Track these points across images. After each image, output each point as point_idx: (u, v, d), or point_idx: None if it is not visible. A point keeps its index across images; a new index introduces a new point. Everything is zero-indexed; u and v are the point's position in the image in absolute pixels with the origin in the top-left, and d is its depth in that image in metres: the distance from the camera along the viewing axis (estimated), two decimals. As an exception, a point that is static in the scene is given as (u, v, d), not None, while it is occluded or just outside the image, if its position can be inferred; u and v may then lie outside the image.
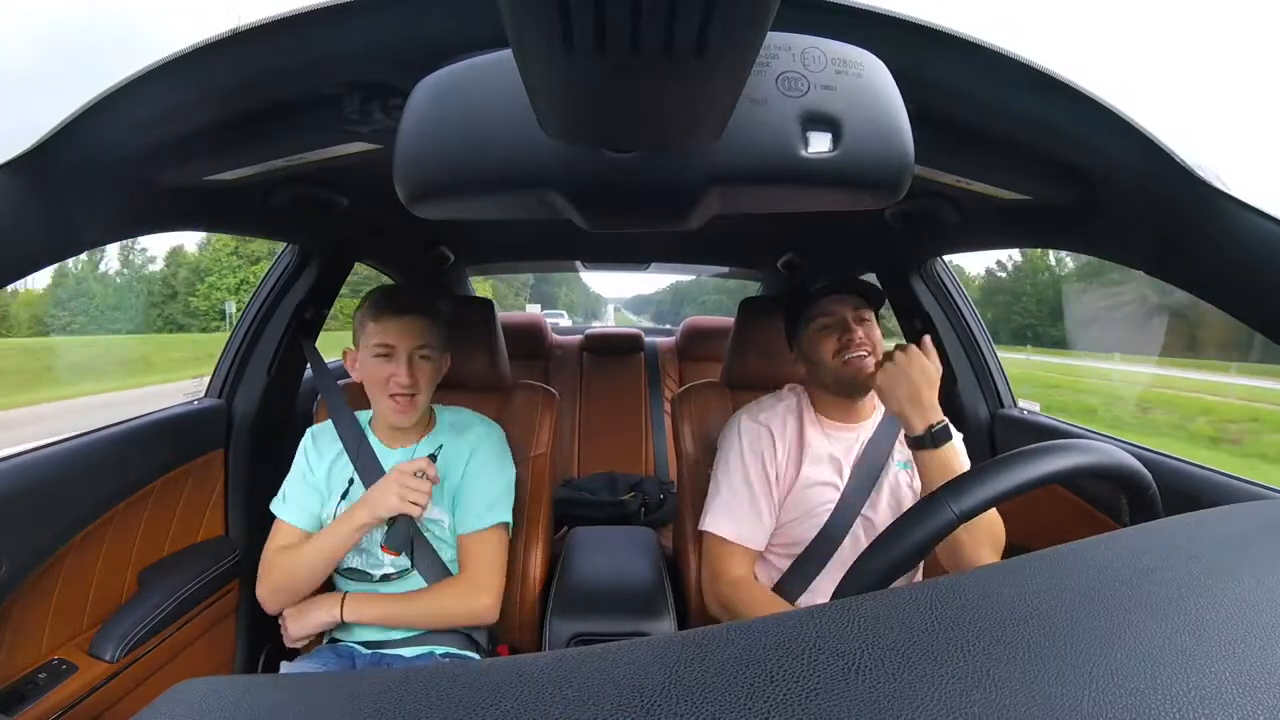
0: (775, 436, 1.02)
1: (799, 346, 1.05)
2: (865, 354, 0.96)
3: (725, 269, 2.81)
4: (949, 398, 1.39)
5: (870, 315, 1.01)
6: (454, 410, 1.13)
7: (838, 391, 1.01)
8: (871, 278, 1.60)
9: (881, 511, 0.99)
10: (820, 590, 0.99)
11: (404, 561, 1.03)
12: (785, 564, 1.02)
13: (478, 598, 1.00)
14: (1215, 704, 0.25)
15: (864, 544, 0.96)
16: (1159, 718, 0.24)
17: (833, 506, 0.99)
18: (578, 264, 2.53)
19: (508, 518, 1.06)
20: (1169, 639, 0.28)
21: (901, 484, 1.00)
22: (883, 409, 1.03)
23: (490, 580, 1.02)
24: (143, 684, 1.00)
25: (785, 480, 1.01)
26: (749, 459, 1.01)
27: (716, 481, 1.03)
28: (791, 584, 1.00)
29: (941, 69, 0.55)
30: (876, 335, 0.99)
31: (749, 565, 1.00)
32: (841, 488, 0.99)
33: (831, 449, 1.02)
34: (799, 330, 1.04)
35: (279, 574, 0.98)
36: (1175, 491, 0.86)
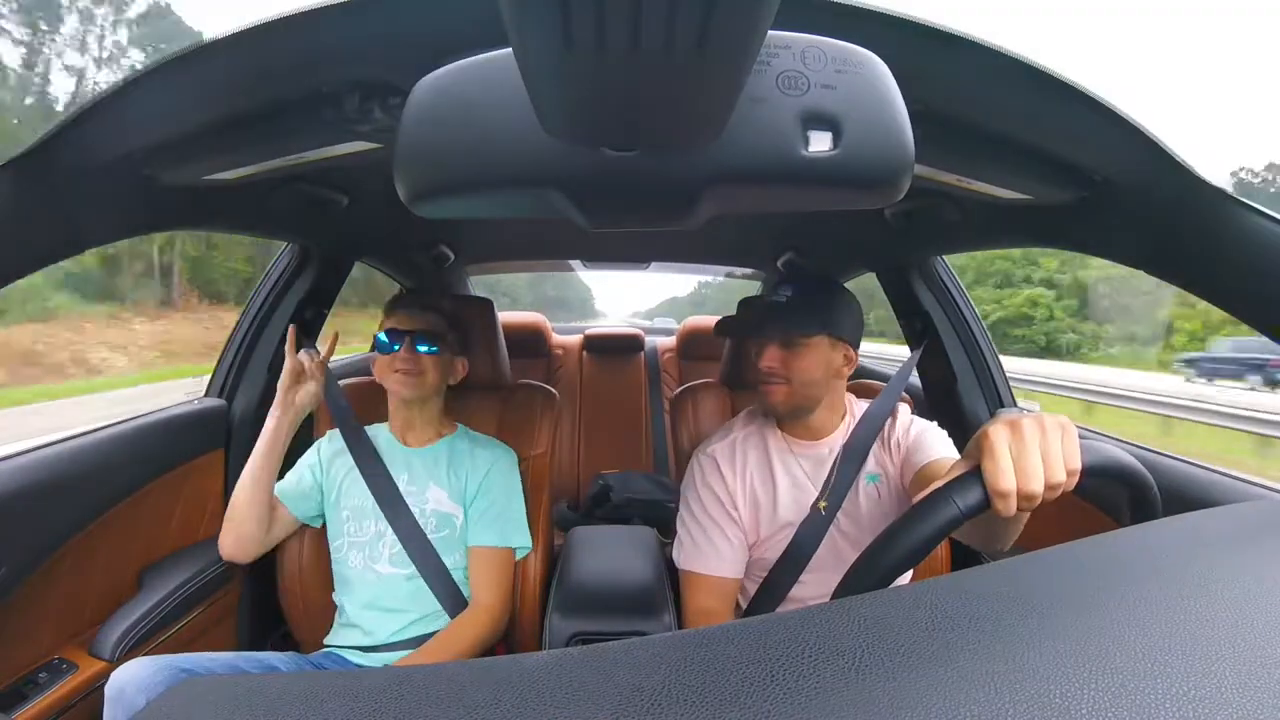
0: (723, 465, 1.02)
1: None
2: (775, 382, 0.94)
3: (727, 268, 2.81)
4: (949, 398, 1.39)
5: (800, 340, 0.93)
6: (471, 431, 1.19)
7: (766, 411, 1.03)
8: (872, 277, 1.60)
9: (853, 526, 0.97)
10: (795, 603, 0.98)
11: (406, 564, 1.05)
12: (756, 584, 1.01)
13: (498, 623, 1.06)
14: (1216, 703, 0.25)
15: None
16: (1159, 717, 0.24)
17: (798, 524, 0.98)
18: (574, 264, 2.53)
19: (529, 543, 1.12)
20: (1170, 638, 0.28)
21: (871, 498, 0.98)
22: (848, 423, 1.03)
23: (507, 603, 1.08)
24: None
25: (748, 504, 1.00)
26: (703, 493, 1.02)
27: (681, 519, 1.04)
28: (762, 603, 0.99)
29: (942, 68, 0.55)
30: (800, 362, 0.94)
31: (719, 595, 0.98)
32: (810, 503, 0.98)
33: (799, 465, 1.01)
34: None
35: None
36: (1175, 491, 0.86)
